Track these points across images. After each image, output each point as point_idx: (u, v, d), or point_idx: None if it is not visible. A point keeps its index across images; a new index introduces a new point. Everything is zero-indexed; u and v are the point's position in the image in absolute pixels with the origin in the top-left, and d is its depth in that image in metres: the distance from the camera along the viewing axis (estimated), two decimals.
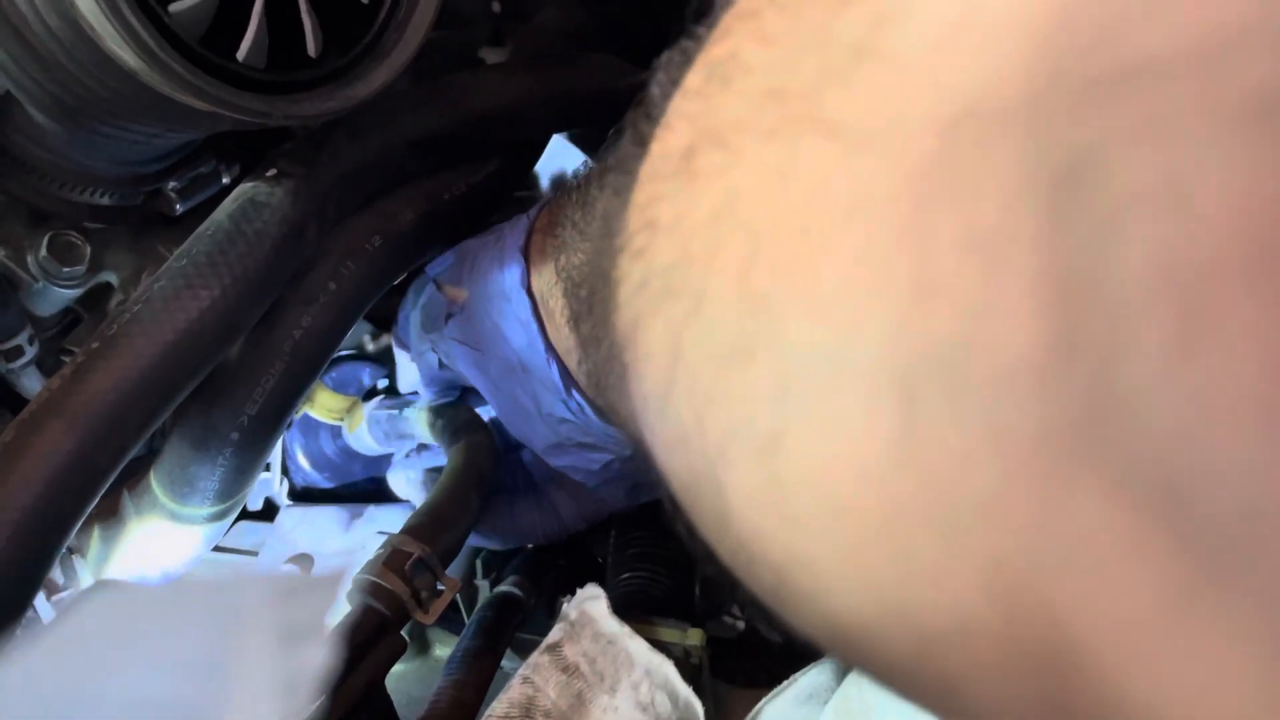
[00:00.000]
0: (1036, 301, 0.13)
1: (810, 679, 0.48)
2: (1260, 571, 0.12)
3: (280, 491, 0.68)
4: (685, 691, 0.47)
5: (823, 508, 0.17)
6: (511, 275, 0.50)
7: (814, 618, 0.18)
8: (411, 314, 0.59)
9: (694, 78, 0.21)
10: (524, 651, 0.57)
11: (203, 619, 0.18)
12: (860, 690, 0.42)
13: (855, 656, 0.19)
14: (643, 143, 0.23)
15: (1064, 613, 0.14)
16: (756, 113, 0.18)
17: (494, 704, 0.47)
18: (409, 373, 0.61)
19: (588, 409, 0.51)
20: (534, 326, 0.50)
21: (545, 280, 0.50)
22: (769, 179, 0.18)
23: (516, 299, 0.50)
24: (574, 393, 0.51)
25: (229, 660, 0.17)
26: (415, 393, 0.63)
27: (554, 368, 0.50)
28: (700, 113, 0.20)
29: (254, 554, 0.63)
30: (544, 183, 0.72)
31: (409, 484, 0.65)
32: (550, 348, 0.50)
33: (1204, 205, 0.12)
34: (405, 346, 0.61)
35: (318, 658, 0.18)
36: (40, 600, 0.48)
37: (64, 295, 0.53)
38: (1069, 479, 0.13)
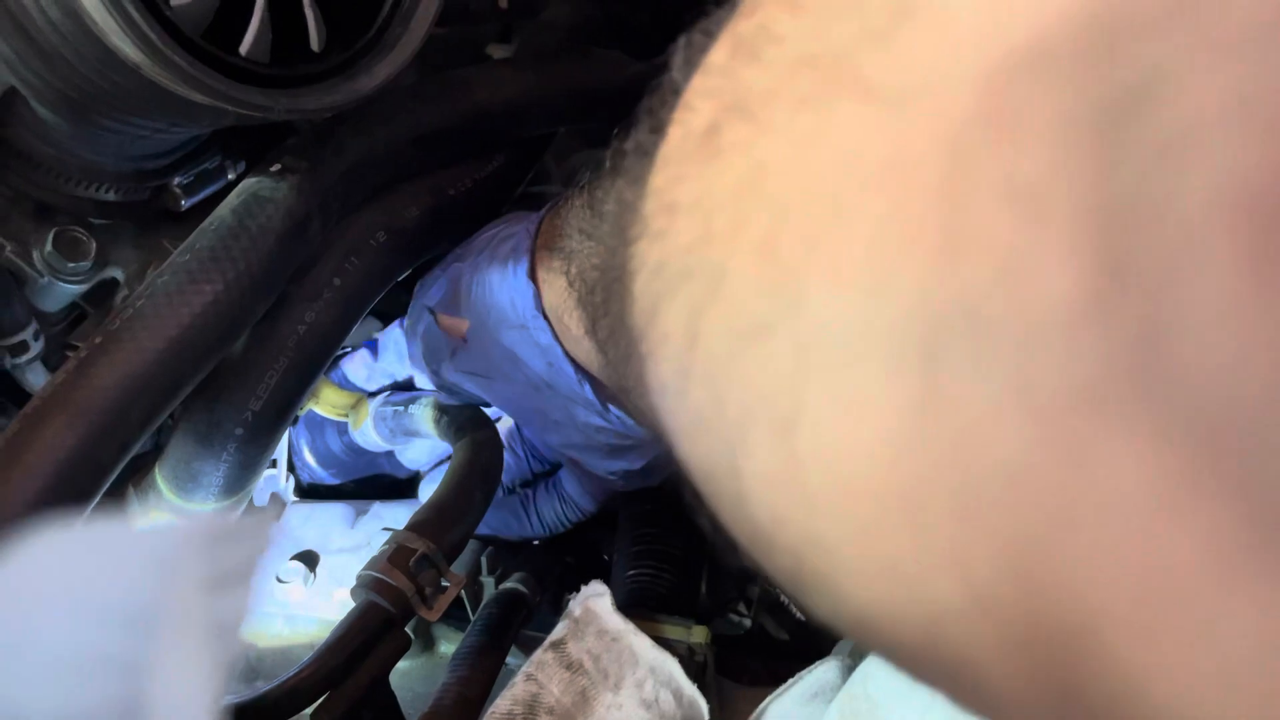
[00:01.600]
0: (1078, 241, 0.12)
1: (816, 677, 0.48)
2: None
3: (287, 488, 0.68)
4: (690, 689, 0.47)
5: (838, 486, 0.16)
6: (523, 302, 0.50)
7: (830, 602, 0.18)
8: (413, 342, 0.58)
9: (718, 55, 0.20)
10: (529, 649, 0.57)
11: (130, 566, 0.18)
12: (865, 688, 0.42)
13: (870, 640, 0.18)
14: (659, 129, 0.22)
15: (1083, 587, 0.12)
16: (787, 82, 0.18)
17: (498, 701, 0.47)
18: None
19: (627, 419, 0.51)
20: (557, 350, 0.50)
21: (557, 295, 0.49)
22: (799, 148, 0.17)
23: (534, 325, 0.50)
24: (610, 407, 0.51)
25: (156, 609, 0.17)
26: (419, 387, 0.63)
27: (587, 388, 0.50)
28: (725, 88, 0.19)
29: None
30: (553, 176, 0.72)
31: None
32: (579, 368, 0.50)
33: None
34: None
35: (245, 604, 0.18)
36: None
37: (69, 291, 0.53)
38: (1104, 437, 0.12)
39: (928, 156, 0.14)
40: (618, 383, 0.48)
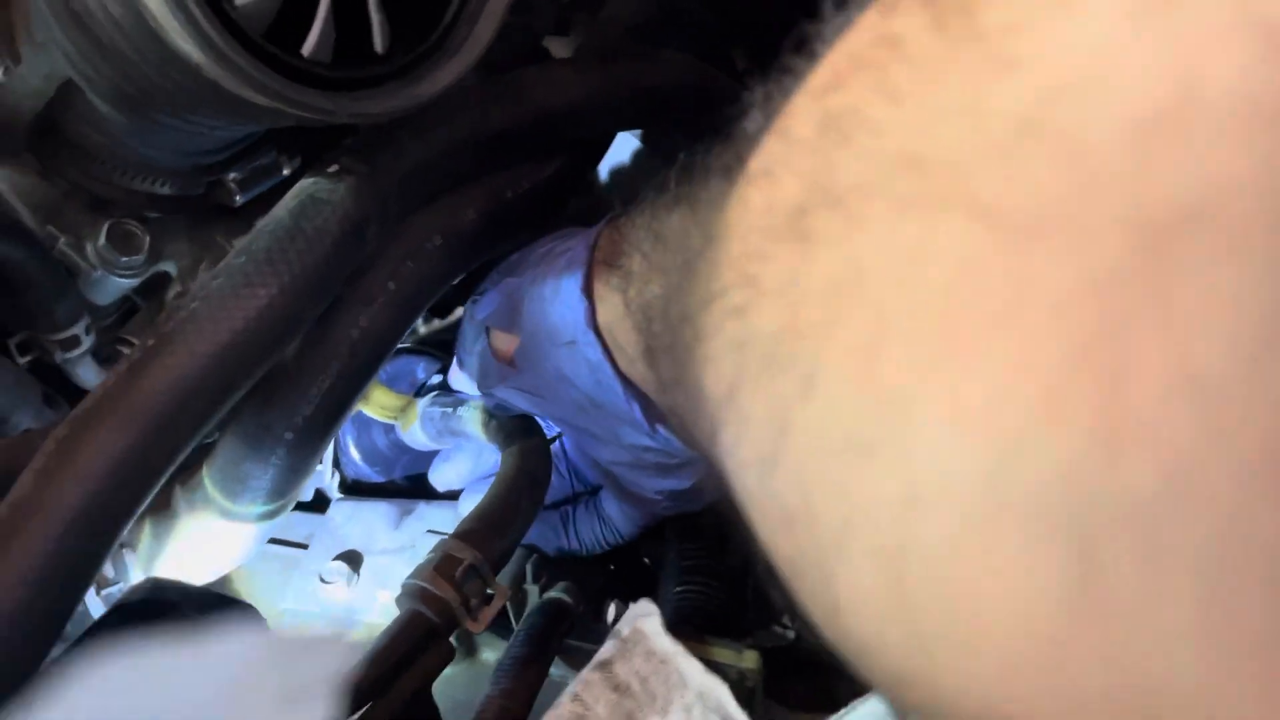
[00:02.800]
0: (1267, 464, 0.11)
1: (869, 708, 0.46)
2: None
3: (332, 483, 0.68)
4: (740, 717, 0.46)
5: (963, 640, 0.15)
6: (575, 317, 0.49)
7: None
8: (467, 358, 0.58)
9: (803, 125, 0.19)
10: (571, 658, 0.56)
11: (202, 682, 0.17)
12: None
13: None
14: (732, 179, 0.21)
15: None
16: (886, 179, 0.17)
17: None
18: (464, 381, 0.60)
19: (674, 439, 0.50)
20: (606, 368, 0.48)
21: (612, 313, 0.48)
22: (901, 256, 0.16)
23: (584, 341, 0.48)
24: (659, 428, 0.50)
25: None
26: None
27: (636, 408, 0.49)
28: (814, 169, 0.19)
29: (304, 546, 0.63)
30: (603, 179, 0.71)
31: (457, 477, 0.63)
32: (629, 385, 0.49)
33: None
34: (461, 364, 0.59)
35: (318, 718, 0.17)
36: (90, 595, 0.48)
37: (122, 284, 0.52)
38: None
39: (1068, 305, 0.13)
40: (679, 417, 0.47)
